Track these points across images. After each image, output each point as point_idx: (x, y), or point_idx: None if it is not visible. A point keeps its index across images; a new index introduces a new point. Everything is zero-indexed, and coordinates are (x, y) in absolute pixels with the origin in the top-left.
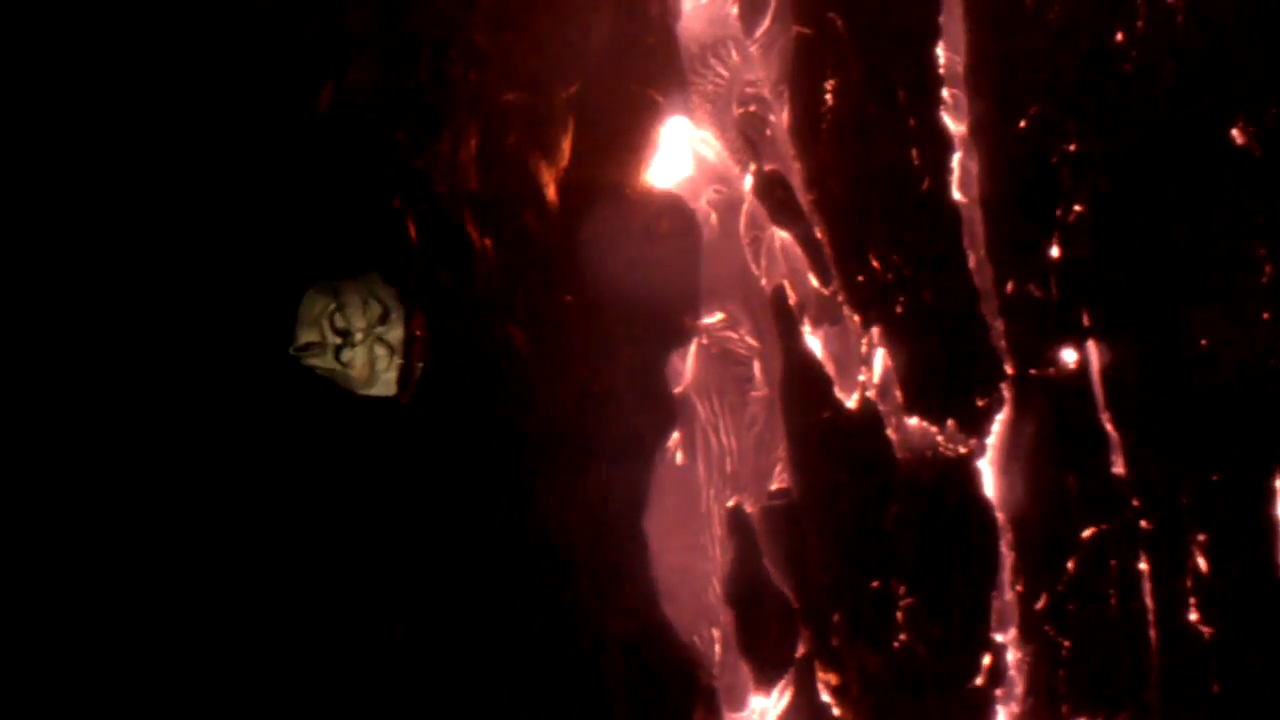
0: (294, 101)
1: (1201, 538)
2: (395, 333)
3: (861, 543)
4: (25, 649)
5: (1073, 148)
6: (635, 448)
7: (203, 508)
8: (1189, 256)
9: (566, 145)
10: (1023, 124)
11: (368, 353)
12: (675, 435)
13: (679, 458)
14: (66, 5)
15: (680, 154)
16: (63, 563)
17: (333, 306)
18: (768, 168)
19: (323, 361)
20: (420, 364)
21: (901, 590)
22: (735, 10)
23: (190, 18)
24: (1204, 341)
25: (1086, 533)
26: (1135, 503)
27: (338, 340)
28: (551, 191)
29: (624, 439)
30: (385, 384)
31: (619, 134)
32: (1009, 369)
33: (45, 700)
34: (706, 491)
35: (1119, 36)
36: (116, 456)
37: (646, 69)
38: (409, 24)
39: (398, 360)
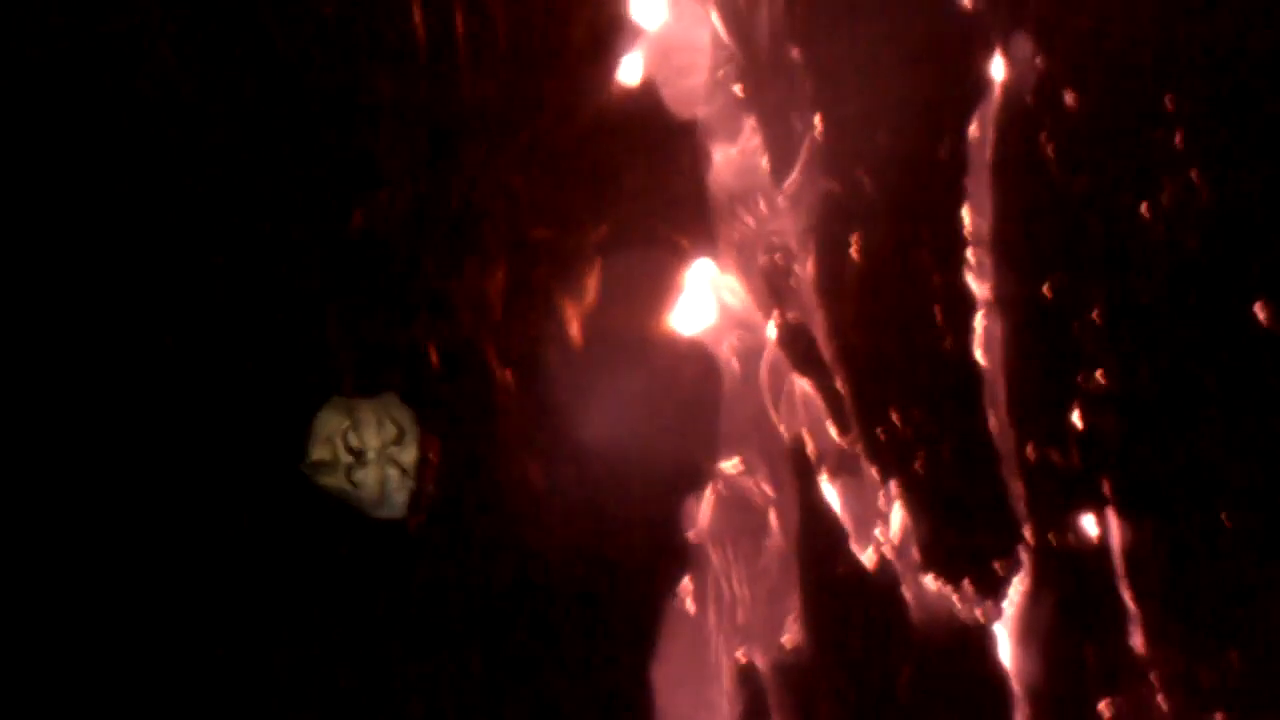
0: (325, 219)
1: (1219, 718)
2: (409, 455)
3: (874, 703)
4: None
5: (1095, 316)
6: (645, 592)
7: (202, 623)
8: (1213, 432)
9: (593, 285)
10: (1046, 290)
11: (379, 473)
12: (686, 581)
13: (689, 605)
14: (103, 124)
15: (705, 299)
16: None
17: (347, 424)
18: (791, 317)
19: (334, 480)
20: (432, 489)
21: None
22: (765, 163)
23: (227, 132)
24: (1227, 520)
25: (1102, 707)
26: (1153, 679)
27: (350, 459)
28: (575, 329)
29: (634, 583)
30: (395, 506)
31: (645, 276)
32: (1028, 535)
33: None
34: (716, 641)
35: (1144, 208)
36: (118, 578)
37: (675, 215)
38: (442, 155)
39: (409, 483)
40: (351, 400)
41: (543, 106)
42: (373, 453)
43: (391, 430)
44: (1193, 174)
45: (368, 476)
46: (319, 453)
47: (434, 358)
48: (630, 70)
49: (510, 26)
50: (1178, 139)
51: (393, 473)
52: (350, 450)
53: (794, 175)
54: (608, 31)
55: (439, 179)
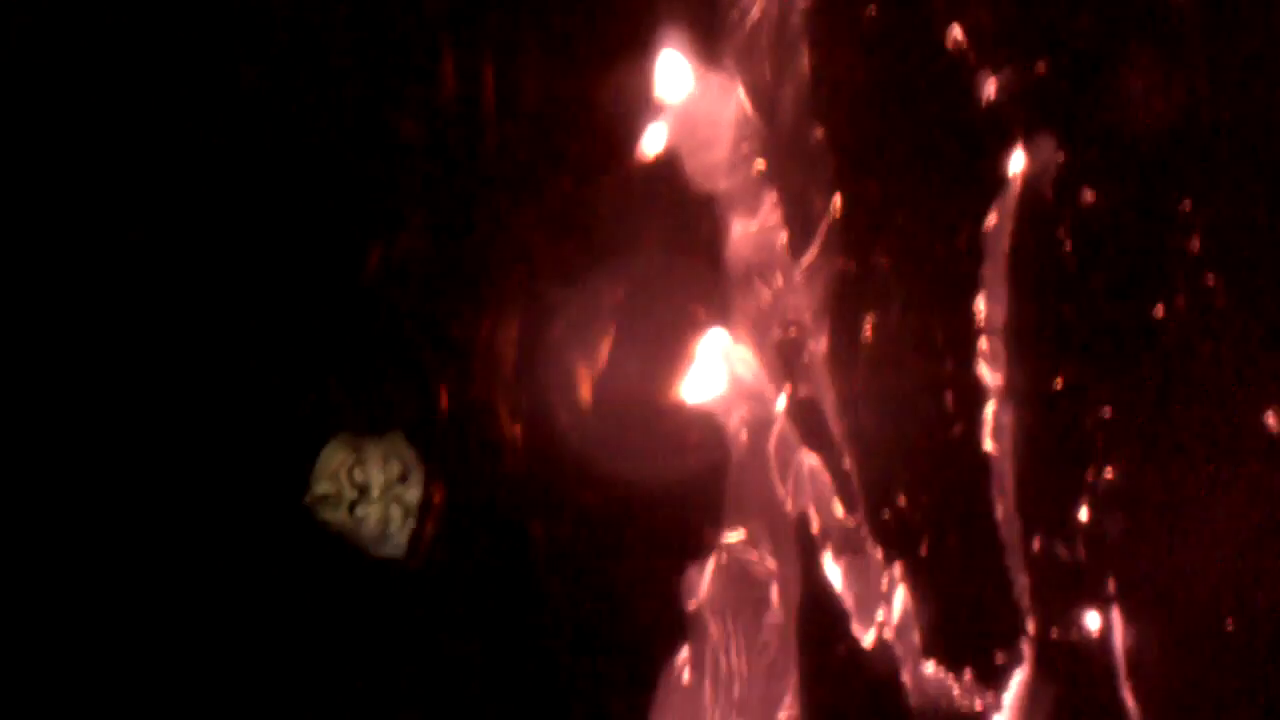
0: (341, 260)
1: None
2: (412, 494)
3: None
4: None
5: (1107, 415)
6: (642, 658)
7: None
8: (1219, 536)
9: (605, 349)
10: (1058, 384)
11: (382, 511)
12: (685, 651)
13: (686, 675)
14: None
15: (716, 369)
16: None
17: (353, 460)
18: (802, 392)
19: (336, 515)
20: (433, 531)
21: None
22: (784, 239)
23: (245, 165)
24: (1230, 624)
25: None
26: None
27: (354, 494)
28: (585, 391)
29: (631, 648)
30: (396, 546)
31: (658, 344)
32: (1030, 627)
33: None
34: (711, 713)
35: (1159, 311)
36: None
37: (691, 284)
38: (462, 207)
39: (411, 523)
40: (358, 437)
41: (566, 167)
42: (377, 490)
43: (396, 468)
44: (1208, 279)
45: (370, 513)
46: (323, 487)
47: (443, 405)
48: (654, 140)
49: (538, 85)
50: (1195, 242)
51: (395, 511)
52: (354, 486)
53: (811, 252)
54: (634, 99)
55: (457, 230)
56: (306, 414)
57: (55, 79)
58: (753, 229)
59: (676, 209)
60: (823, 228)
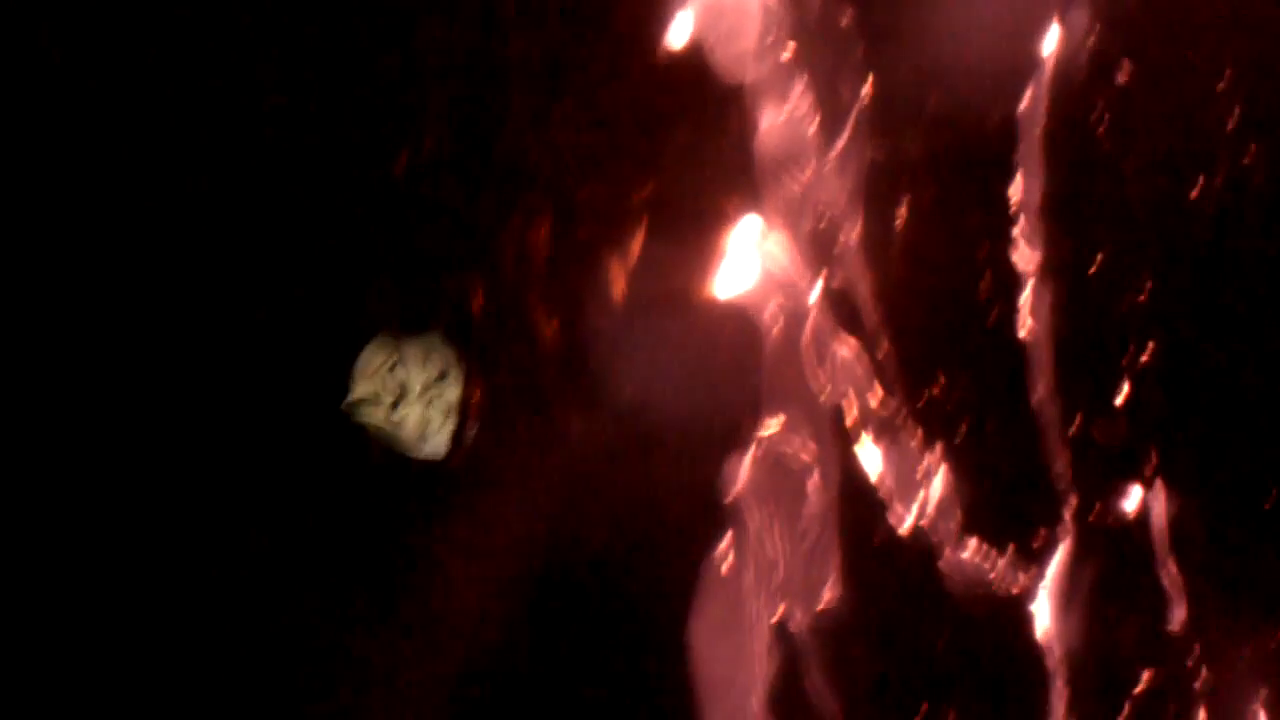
0: (369, 163)
1: (1263, 693)
2: (451, 394)
3: (910, 668)
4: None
5: (1143, 295)
6: (683, 549)
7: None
8: (1261, 410)
9: (636, 245)
10: (1094, 266)
11: (422, 412)
12: (725, 542)
13: (727, 565)
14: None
15: (749, 261)
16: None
17: (392, 361)
18: (836, 281)
19: (376, 417)
20: (473, 430)
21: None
22: (814, 127)
23: (269, 71)
24: (1273, 496)
25: (1143, 680)
26: (1195, 653)
27: (394, 395)
28: (619, 287)
29: (672, 540)
30: (436, 446)
31: (689, 237)
32: (1069, 508)
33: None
34: (753, 602)
35: (1196, 187)
36: (153, 515)
37: (721, 177)
38: (488, 107)
39: (451, 423)
40: (396, 338)
41: (591, 64)
42: (416, 390)
43: (435, 368)
44: (1248, 154)
45: (411, 414)
46: (362, 389)
47: (477, 305)
48: (680, 30)
49: None
50: (1234, 117)
51: (434, 412)
52: (394, 387)
53: (843, 140)
54: None
55: (485, 129)
56: (343, 318)
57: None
58: (782, 118)
59: (704, 100)
60: (853, 114)
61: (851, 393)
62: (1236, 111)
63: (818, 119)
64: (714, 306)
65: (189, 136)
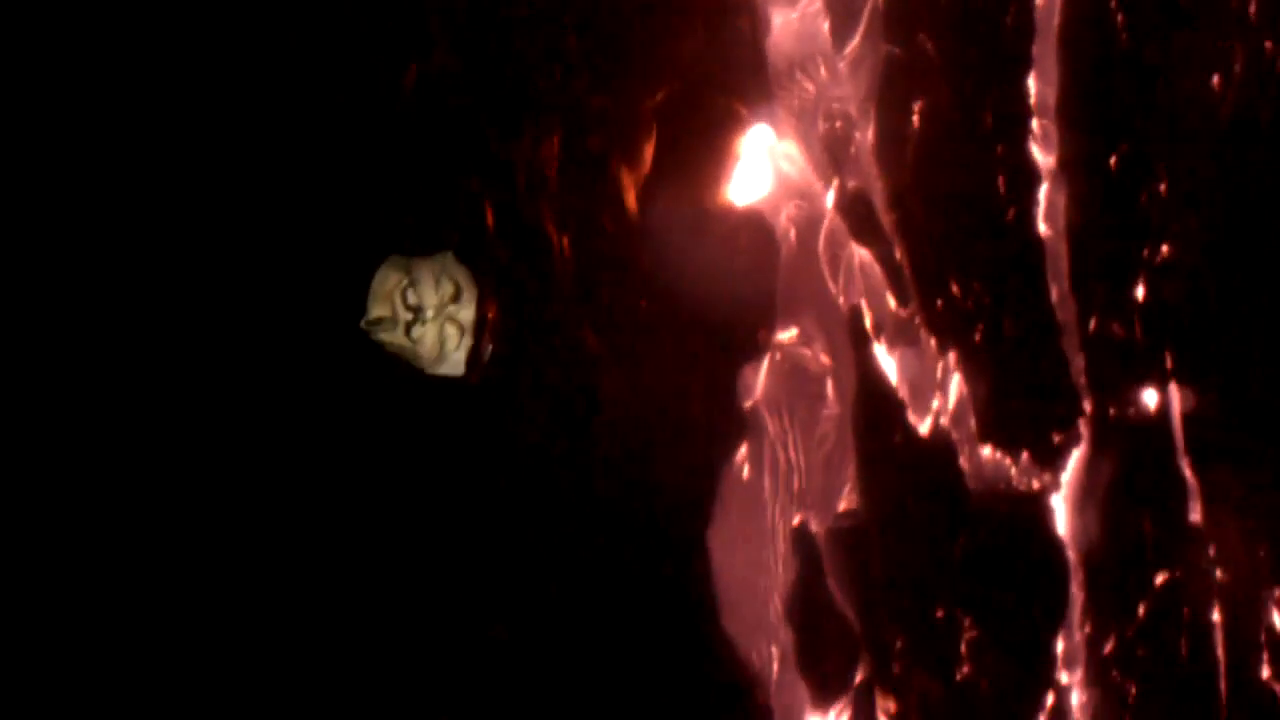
0: (378, 79)
1: (1278, 593)
2: (467, 312)
3: (928, 571)
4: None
5: (1163, 189)
6: (702, 459)
7: (265, 491)
8: (1278, 307)
9: (648, 153)
10: (1113, 161)
11: (438, 330)
12: (743, 449)
13: (745, 472)
14: None
15: (762, 167)
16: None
17: (406, 282)
18: (850, 185)
19: (392, 337)
20: (490, 347)
21: (967, 622)
22: (826, 27)
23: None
24: None
25: (1160, 578)
26: (1211, 552)
27: (409, 316)
28: (631, 197)
29: (690, 448)
30: (454, 364)
31: (702, 144)
32: (1087, 406)
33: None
34: (772, 508)
35: (1215, 80)
36: (177, 433)
37: (733, 81)
38: (495, 18)
39: (468, 341)
40: (409, 258)
41: None
42: (431, 310)
43: (449, 288)
44: (1266, 44)
45: (427, 333)
46: (378, 310)
47: (490, 220)
48: None
49: None
50: (1252, 7)
51: (451, 330)
52: (409, 307)
53: (855, 40)
54: None
55: (492, 42)
56: (355, 240)
57: None
58: (794, 18)
59: (714, 5)
60: (866, 13)
61: (867, 297)
62: (1255, 2)
63: (829, 19)
64: (729, 213)
65: (200, 57)
